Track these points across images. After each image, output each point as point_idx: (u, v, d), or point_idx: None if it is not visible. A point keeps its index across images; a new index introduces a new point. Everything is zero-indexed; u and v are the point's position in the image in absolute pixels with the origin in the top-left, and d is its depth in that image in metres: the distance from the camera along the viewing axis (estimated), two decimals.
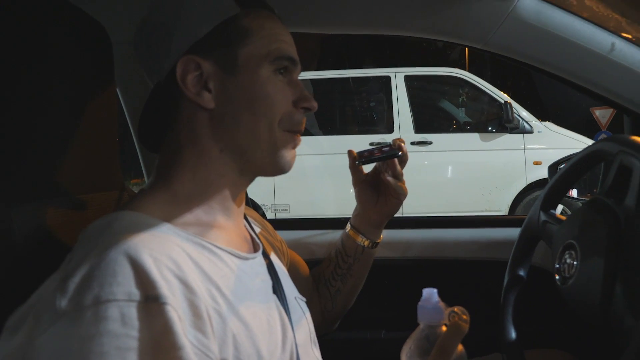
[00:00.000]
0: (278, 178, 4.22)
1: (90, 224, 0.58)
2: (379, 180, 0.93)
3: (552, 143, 4.26)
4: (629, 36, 0.96)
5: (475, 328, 1.04)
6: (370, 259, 0.99)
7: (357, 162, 0.91)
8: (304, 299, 0.82)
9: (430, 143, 4.34)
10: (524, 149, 4.28)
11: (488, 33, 0.95)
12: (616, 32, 0.95)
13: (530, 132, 4.31)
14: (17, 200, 0.63)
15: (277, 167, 0.69)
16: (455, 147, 4.35)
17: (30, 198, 0.65)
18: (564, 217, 0.82)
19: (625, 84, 0.98)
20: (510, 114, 4.22)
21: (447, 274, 1.18)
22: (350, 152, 0.92)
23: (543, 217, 0.85)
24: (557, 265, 0.74)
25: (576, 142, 4.20)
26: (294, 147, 0.70)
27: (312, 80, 4.75)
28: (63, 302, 0.47)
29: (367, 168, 0.94)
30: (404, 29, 0.99)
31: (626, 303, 0.59)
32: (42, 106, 0.66)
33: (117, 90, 1.12)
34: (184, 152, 0.66)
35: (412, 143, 4.32)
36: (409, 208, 4.27)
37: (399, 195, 0.92)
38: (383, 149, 0.89)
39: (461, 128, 4.70)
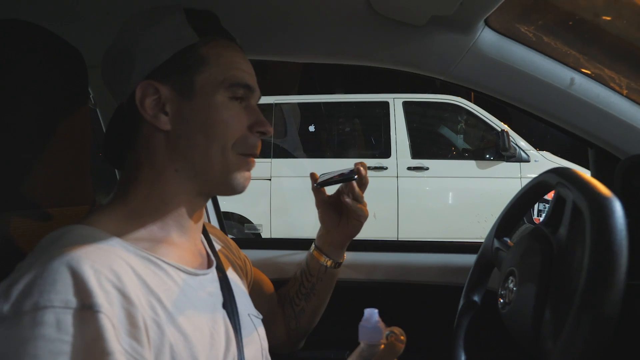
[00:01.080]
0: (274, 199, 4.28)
1: (45, 236, 0.61)
2: (340, 202, 0.96)
3: None
4: (588, 72, 1.00)
5: (431, 350, 1.06)
6: (333, 278, 1.02)
7: (315, 185, 0.94)
8: (260, 316, 0.85)
9: (427, 169, 4.36)
10: (521, 178, 4.29)
11: (450, 65, 0.99)
12: (575, 68, 0.99)
13: (527, 160, 4.33)
14: None
15: (229, 188, 0.73)
16: (451, 174, 4.38)
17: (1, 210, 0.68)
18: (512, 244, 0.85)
19: (585, 118, 1.01)
20: (507, 142, 4.25)
21: (409, 297, 1.20)
22: (312, 175, 0.96)
23: (496, 244, 0.88)
24: (501, 291, 0.76)
25: None
26: (248, 170, 0.74)
27: (310, 104, 4.83)
28: (5, 307, 0.50)
29: (332, 191, 0.97)
30: (367, 59, 1.03)
31: (551, 328, 0.61)
32: (13, 123, 0.70)
33: (97, 111, 1.17)
34: (142, 170, 0.70)
35: (409, 168, 4.35)
36: (404, 233, 4.29)
37: (359, 217, 0.95)
38: (343, 172, 0.93)
39: (458, 155, 4.73)
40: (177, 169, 0.70)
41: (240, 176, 0.72)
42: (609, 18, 0.99)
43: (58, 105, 0.76)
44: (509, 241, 0.88)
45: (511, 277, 0.74)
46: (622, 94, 0.99)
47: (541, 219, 1.27)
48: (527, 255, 0.71)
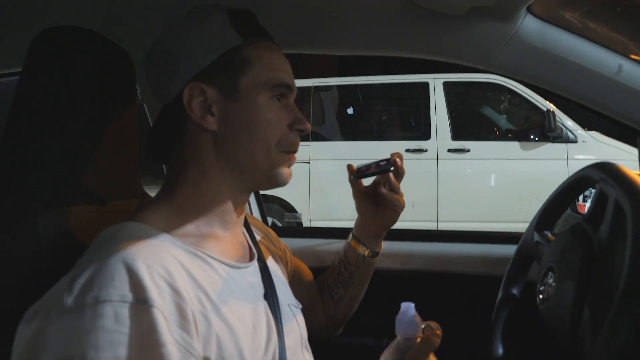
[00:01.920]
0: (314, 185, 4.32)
1: (100, 232, 0.66)
2: (377, 192, 0.97)
3: (597, 153, 4.09)
4: (638, 58, 0.95)
5: (467, 342, 1.06)
6: (371, 267, 1.04)
7: (352, 177, 0.96)
8: (299, 306, 0.88)
9: (468, 151, 4.27)
10: (567, 159, 4.13)
11: (490, 54, 0.97)
12: (624, 54, 0.95)
13: (575, 141, 4.15)
14: (43, 206, 0.72)
15: (273, 184, 0.76)
16: (493, 155, 4.26)
17: (56, 204, 0.74)
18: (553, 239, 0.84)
19: (634, 106, 0.97)
20: (553, 122, 4.08)
21: (445, 286, 1.21)
22: (349, 167, 0.97)
23: (536, 237, 0.87)
24: (540, 287, 0.76)
25: (623, 153, 4.02)
26: (289, 166, 0.77)
27: (349, 86, 4.80)
28: (69, 300, 0.55)
29: (368, 182, 0.99)
30: (406, 51, 1.02)
31: (589, 327, 0.61)
32: (68, 122, 0.75)
33: (145, 106, 1.22)
34: (188, 168, 0.73)
35: (449, 150, 4.27)
36: (445, 217, 4.23)
37: (396, 207, 0.96)
38: (380, 163, 0.94)
39: (501, 136, 4.60)
40: (223, 167, 0.73)
41: (283, 172, 0.75)
42: None
43: (109, 104, 0.80)
44: (549, 235, 0.87)
45: (550, 273, 0.73)
46: None
47: (586, 205, 1.23)
48: (567, 252, 0.70)
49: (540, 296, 0.75)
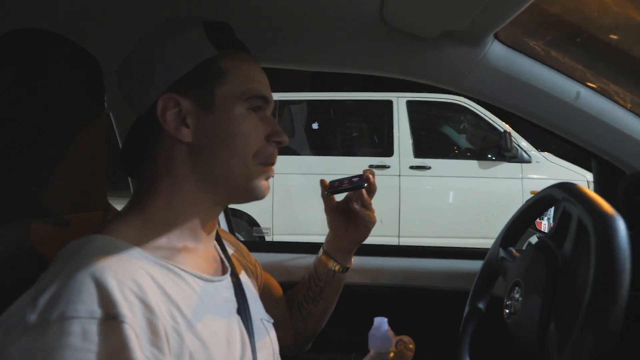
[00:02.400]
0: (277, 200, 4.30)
1: (65, 245, 0.63)
2: (349, 208, 0.98)
3: (550, 173, 4.30)
4: (594, 86, 1.02)
5: (436, 356, 1.08)
6: (341, 283, 1.04)
7: (326, 192, 0.97)
8: (271, 320, 0.87)
9: (429, 168, 4.39)
10: (522, 179, 4.32)
11: (460, 77, 1.01)
12: (581, 82, 1.02)
13: (529, 161, 4.35)
14: (2, 217, 0.68)
15: (251, 197, 0.75)
16: (453, 173, 4.40)
17: (14, 217, 0.70)
18: (518, 255, 0.87)
19: (590, 131, 1.04)
20: (509, 143, 4.27)
21: (414, 301, 1.23)
22: (322, 182, 0.98)
23: (502, 253, 0.90)
24: (507, 301, 0.79)
25: (573, 174, 4.24)
26: (267, 178, 0.76)
27: (314, 102, 4.84)
28: (32, 317, 0.52)
29: (340, 197, 1.00)
30: (379, 70, 1.05)
31: (556, 340, 0.63)
32: (31, 129, 0.72)
33: (111, 115, 1.19)
34: (160, 180, 0.72)
35: (411, 167, 4.37)
36: (406, 231, 4.32)
37: (367, 223, 0.97)
38: (353, 179, 0.95)
39: (461, 154, 4.75)
40: (197, 179, 0.72)
41: (260, 185, 0.75)
42: (615, 36, 1.01)
43: (75, 111, 0.77)
44: (514, 251, 0.90)
45: (517, 288, 0.76)
46: (626, 108, 1.01)
47: (543, 222, 1.29)
48: (533, 268, 0.74)
49: (507, 310, 0.78)
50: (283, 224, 4.38)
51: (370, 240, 1.05)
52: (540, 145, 4.54)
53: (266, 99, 0.75)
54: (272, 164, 0.77)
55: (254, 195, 0.75)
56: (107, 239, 0.64)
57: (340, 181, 0.97)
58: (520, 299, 0.74)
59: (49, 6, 0.92)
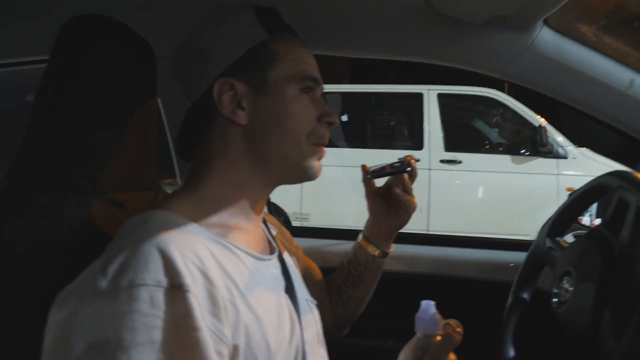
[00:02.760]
0: (306, 188, 4.32)
1: (128, 220, 0.66)
2: (389, 193, 0.98)
3: (587, 170, 4.16)
4: None
5: (474, 346, 1.08)
6: (380, 268, 1.04)
7: (368, 176, 0.97)
8: (315, 302, 0.88)
9: (460, 162, 4.32)
10: (557, 175, 4.20)
11: (506, 64, 0.99)
12: (636, 69, 0.98)
13: (565, 157, 4.23)
14: (68, 194, 0.71)
15: (303, 177, 0.77)
16: (485, 168, 4.32)
17: (79, 194, 0.73)
18: (567, 245, 0.85)
19: None
20: (544, 137, 4.16)
21: (450, 290, 1.22)
22: (363, 167, 0.98)
23: (548, 243, 0.89)
24: (555, 290, 0.78)
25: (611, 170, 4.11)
26: (319, 159, 0.78)
27: (345, 94, 4.83)
28: (104, 283, 0.55)
29: (380, 182, 1.00)
30: (424, 56, 1.04)
31: (612, 329, 0.62)
32: (92, 112, 0.75)
33: (159, 100, 1.22)
34: (214, 161, 0.74)
35: (442, 161, 4.32)
36: (435, 225, 4.27)
37: (408, 208, 0.97)
38: (394, 164, 0.95)
39: (493, 149, 4.67)
40: (252, 160, 0.73)
41: (314, 164, 0.76)
42: None
43: (130, 95, 0.80)
44: (561, 241, 0.89)
45: (567, 277, 0.75)
46: None
47: (584, 218, 1.27)
48: (586, 256, 0.72)
49: (556, 299, 0.77)
50: (317, 216, 4.39)
51: (404, 231, 1.05)
52: (578, 140, 4.40)
53: (316, 80, 0.76)
54: (324, 144, 0.78)
55: (307, 175, 0.76)
56: (167, 214, 0.66)
57: (382, 167, 0.97)
58: (570, 288, 0.73)
59: None
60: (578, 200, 0.86)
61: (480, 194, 4.33)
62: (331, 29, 1.03)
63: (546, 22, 0.97)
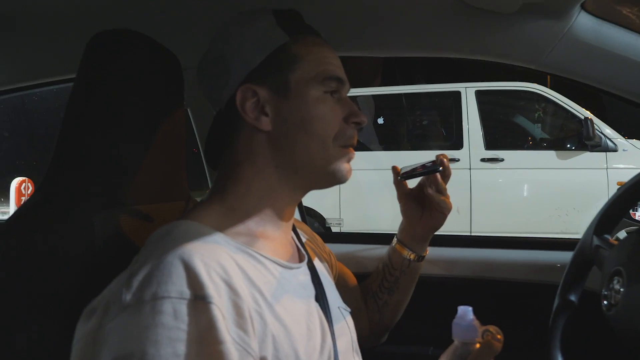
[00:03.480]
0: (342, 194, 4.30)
1: (154, 231, 0.66)
2: (423, 195, 0.95)
3: (639, 162, 3.95)
4: None
5: (519, 353, 1.02)
6: (417, 272, 1.01)
7: (399, 178, 0.94)
8: (348, 309, 0.86)
9: (502, 160, 4.19)
10: (607, 169, 4.00)
11: (542, 53, 0.94)
12: None
13: (615, 150, 4.02)
14: (98, 206, 0.73)
15: (332, 180, 0.75)
16: (528, 165, 4.16)
17: (109, 206, 0.75)
18: (616, 242, 0.80)
19: None
20: (591, 130, 3.97)
21: (491, 294, 1.16)
22: (394, 168, 0.96)
23: (596, 241, 0.83)
24: (605, 292, 0.72)
25: None
26: (348, 161, 0.76)
27: (380, 96, 4.78)
28: (128, 297, 0.55)
29: (413, 183, 0.97)
30: (455, 51, 1.01)
31: None
32: (121, 124, 0.76)
33: (188, 110, 1.23)
34: (240, 169, 0.73)
35: (483, 160, 4.20)
36: (478, 226, 4.15)
37: (443, 209, 0.93)
38: (425, 164, 0.91)
39: (536, 145, 4.50)
40: (278, 166, 0.72)
41: (342, 167, 0.74)
42: None
43: (160, 107, 0.81)
44: (610, 239, 0.83)
45: (617, 277, 0.69)
46: None
47: (637, 212, 1.18)
48: (637, 254, 0.67)
49: (606, 302, 0.71)
50: (352, 220, 4.36)
51: (441, 234, 1.01)
52: (628, 131, 4.18)
53: (341, 80, 0.74)
54: (353, 145, 0.76)
55: (337, 178, 0.74)
56: (191, 224, 0.66)
57: (413, 167, 0.94)
58: (621, 289, 0.68)
59: (132, 7, 0.97)
60: (627, 194, 0.80)
61: (524, 192, 4.18)
62: (357, 29, 1.01)
63: (583, 7, 0.91)
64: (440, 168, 0.90)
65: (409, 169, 0.95)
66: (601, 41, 0.92)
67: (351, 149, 0.75)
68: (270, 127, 0.71)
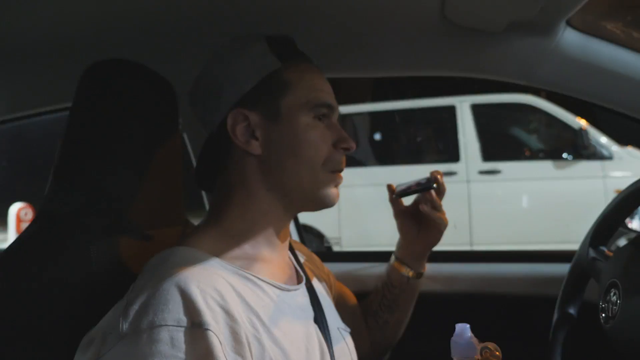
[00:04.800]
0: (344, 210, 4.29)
1: (150, 259, 0.67)
2: (419, 211, 0.95)
3: (635, 170, 3.96)
4: None
5: None
6: (416, 289, 1.01)
7: (394, 196, 0.94)
8: (348, 330, 0.86)
9: (500, 172, 4.20)
10: (604, 177, 4.01)
11: (531, 70, 0.96)
12: None
13: (610, 158, 4.04)
14: (96, 234, 0.73)
15: (320, 205, 0.76)
16: (526, 176, 4.18)
17: (108, 233, 0.75)
18: (611, 254, 0.80)
19: None
20: (585, 140, 4.01)
21: (492, 309, 1.16)
22: (389, 186, 0.96)
23: (592, 253, 0.83)
24: (602, 305, 0.72)
25: None
26: (336, 186, 0.76)
27: (377, 112, 4.82)
28: (125, 326, 0.56)
29: (409, 200, 0.97)
30: (443, 70, 1.02)
31: None
32: (117, 151, 0.77)
33: (184, 136, 1.25)
34: (234, 193, 0.74)
35: (480, 172, 4.21)
36: (479, 239, 4.13)
37: (439, 225, 0.94)
38: (420, 182, 0.92)
39: (533, 156, 4.52)
40: (269, 189, 0.73)
41: (330, 192, 0.75)
42: None
43: (155, 134, 0.82)
44: (606, 250, 0.83)
45: (613, 290, 0.70)
46: None
47: (633, 220, 1.19)
48: (632, 266, 0.67)
49: (603, 315, 0.72)
50: (352, 237, 4.35)
51: (440, 249, 1.01)
52: (623, 140, 4.20)
53: (331, 107, 0.76)
54: (341, 170, 0.77)
55: (324, 203, 0.75)
56: (187, 250, 0.66)
57: (408, 185, 0.94)
58: (618, 301, 0.68)
59: (127, 35, 0.99)
60: (621, 204, 0.80)
61: (523, 203, 4.19)
62: (345, 51, 1.03)
63: (569, 23, 0.93)
64: (435, 185, 0.91)
65: (404, 186, 0.96)
66: (588, 55, 0.93)
67: (339, 174, 0.76)
68: (260, 151, 0.72)
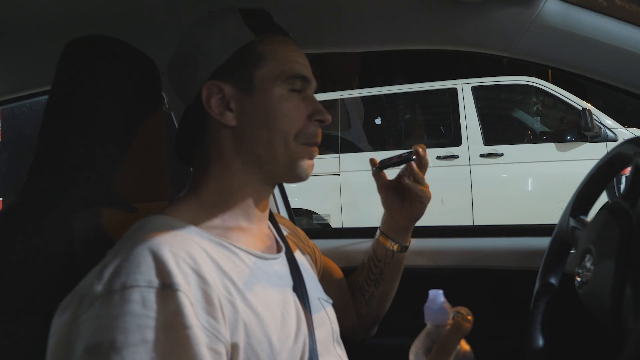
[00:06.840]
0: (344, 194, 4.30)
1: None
2: (402, 185, 0.96)
3: None
4: None
5: (503, 337, 1.02)
6: (401, 263, 1.02)
7: (375, 169, 0.95)
8: (330, 301, 0.87)
9: (502, 155, 4.17)
10: None
11: (513, 41, 0.95)
12: None
13: (615, 139, 3.99)
14: (77, 206, 0.74)
15: (294, 177, 0.76)
16: (529, 158, 4.15)
17: (89, 205, 0.76)
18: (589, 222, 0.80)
19: None
20: (590, 121, 3.94)
21: (477, 282, 1.17)
22: (371, 160, 0.97)
23: (572, 223, 0.84)
24: (578, 270, 0.73)
25: None
26: (310, 158, 0.77)
27: (376, 97, 4.79)
28: (99, 288, 0.57)
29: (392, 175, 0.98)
30: (425, 42, 1.01)
31: (633, 305, 0.57)
32: (98, 127, 0.78)
33: (172, 114, 1.25)
34: (211, 165, 0.75)
35: (482, 155, 4.18)
36: (481, 222, 4.12)
37: (422, 198, 0.94)
38: (402, 154, 0.93)
39: (536, 138, 4.48)
40: (244, 162, 0.74)
41: (304, 164, 0.75)
42: None
43: (136, 111, 0.83)
44: (585, 219, 0.83)
45: (588, 255, 0.70)
46: None
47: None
48: (605, 231, 0.67)
49: (579, 279, 0.72)
50: (349, 222, 4.36)
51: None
52: (628, 120, 4.15)
53: (306, 79, 0.76)
54: (316, 143, 0.77)
55: (297, 175, 0.75)
56: (164, 218, 0.68)
57: (389, 158, 0.95)
58: (592, 267, 0.68)
59: (109, 14, 0.99)
60: (598, 175, 0.80)
61: (526, 185, 4.16)
62: (326, 26, 1.02)
63: None
64: (414, 157, 0.91)
65: (386, 159, 0.96)
66: (570, 25, 0.92)
67: (314, 147, 0.76)
68: (235, 122, 0.73)
